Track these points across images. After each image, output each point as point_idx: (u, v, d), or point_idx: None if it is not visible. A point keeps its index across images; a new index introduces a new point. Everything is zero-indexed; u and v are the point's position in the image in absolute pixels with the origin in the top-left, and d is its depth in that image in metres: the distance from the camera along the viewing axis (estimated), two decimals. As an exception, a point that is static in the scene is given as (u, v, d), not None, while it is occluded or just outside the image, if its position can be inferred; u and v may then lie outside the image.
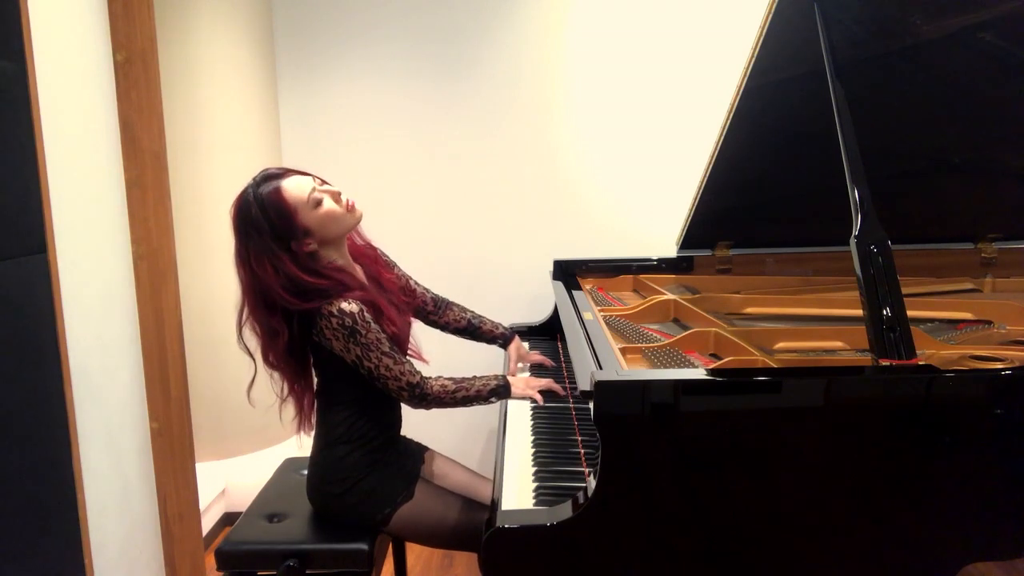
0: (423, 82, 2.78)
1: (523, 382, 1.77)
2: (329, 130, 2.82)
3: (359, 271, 1.70)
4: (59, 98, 1.53)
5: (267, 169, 1.57)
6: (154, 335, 1.94)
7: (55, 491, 1.47)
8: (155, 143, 1.89)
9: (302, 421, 1.69)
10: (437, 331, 2.04)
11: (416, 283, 1.95)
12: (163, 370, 1.96)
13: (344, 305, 1.49)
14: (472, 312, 2.03)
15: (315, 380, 1.70)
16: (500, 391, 1.69)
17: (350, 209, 1.57)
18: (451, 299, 2.04)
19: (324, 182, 1.59)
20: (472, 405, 1.68)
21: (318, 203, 1.52)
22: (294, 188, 1.52)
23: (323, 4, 2.76)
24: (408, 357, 1.66)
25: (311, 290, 1.51)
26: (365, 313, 1.52)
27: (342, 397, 1.63)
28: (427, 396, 1.60)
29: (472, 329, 2.01)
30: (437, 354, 1.98)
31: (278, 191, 1.51)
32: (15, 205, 1.37)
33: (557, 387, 1.78)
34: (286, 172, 1.56)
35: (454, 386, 1.64)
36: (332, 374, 1.63)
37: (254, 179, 1.55)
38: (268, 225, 1.49)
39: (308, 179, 1.55)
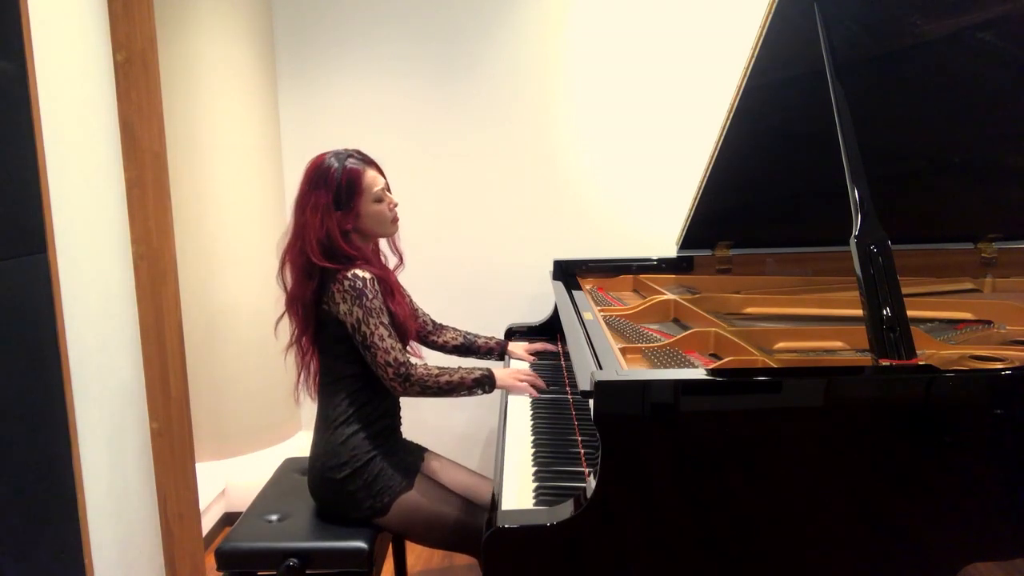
0: (423, 82, 2.78)
1: (508, 374, 1.81)
2: (329, 130, 2.82)
3: None
4: (59, 98, 1.53)
5: (359, 152, 1.73)
6: (154, 335, 1.94)
7: (55, 491, 1.47)
8: (155, 143, 1.89)
9: (304, 378, 1.77)
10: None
11: (418, 306, 2.05)
12: (163, 370, 1.96)
13: (358, 271, 1.63)
14: (466, 330, 2.11)
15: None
16: (484, 380, 1.74)
17: (393, 220, 1.75)
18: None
19: (389, 189, 1.76)
20: (456, 394, 1.71)
21: (379, 199, 1.70)
22: (370, 177, 1.70)
23: (323, 4, 2.76)
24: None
25: (338, 253, 1.64)
26: (376, 283, 1.64)
27: (343, 373, 1.68)
28: (410, 377, 1.65)
29: (468, 344, 2.08)
30: (435, 355, 1.98)
31: (359, 171, 1.68)
32: (15, 205, 1.37)
33: (540, 383, 1.83)
34: (370, 163, 1.73)
35: (437, 371, 1.70)
36: (333, 347, 1.67)
37: (345, 151, 1.71)
38: (336, 187, 1.65)
39: (382, 179, 1.73)
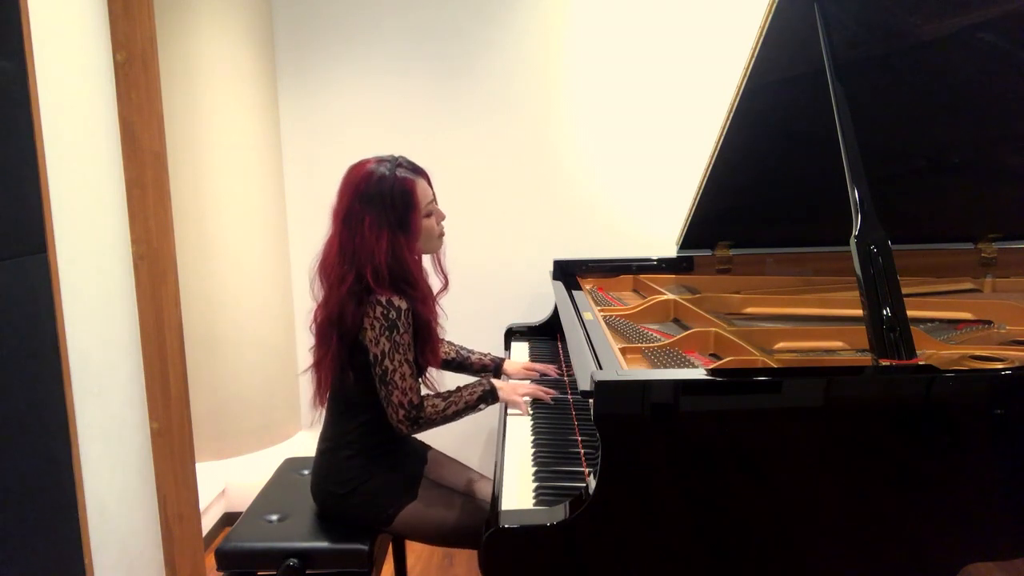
0: (423, 82, 2.78)
1: (509, 387, 1.75)
2: (329, 129, 2.82)
3: None
4: (59, 98, 1.53)
5: (407, 159, 1.62)
6: (154, 335, 1.94)
7: (55, 491, 1.47)
8: (155, 143, 1.89)
9: (319, 392, 1.67)
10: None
11: None
12: (163, 370, 1.96)
13: (395, 299, 1.52)
14: (459, 345, 2.02)
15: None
16: (488, 397, 1.67)
17: (439, 235, 1.67)
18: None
19: (436, 200, 1.66)
20: (464, 416, 1.65)
21: (429, 215, 1.62)
22: (423, 190, 1.59)
23: (323, 4, 2.76)
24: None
25: (402, 279, 1.55)
26: (410, 315, 1.54)
27: (359, 400, 1.61)
28: (419, 420, 1.57)
29: (461, 360, 1.99)
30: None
31: (413, 183, 1.57)
32: (15, 205, 1.37)
33: (541, 394, 1.77)
34: (420, 172, 1.62)
35: (443, 403, 1.62)
36: (354, 373, 1.58)
37: (392, 159, 1.59)
38: (391, 203, 1.54)
39: (431, 191, 1.64)
